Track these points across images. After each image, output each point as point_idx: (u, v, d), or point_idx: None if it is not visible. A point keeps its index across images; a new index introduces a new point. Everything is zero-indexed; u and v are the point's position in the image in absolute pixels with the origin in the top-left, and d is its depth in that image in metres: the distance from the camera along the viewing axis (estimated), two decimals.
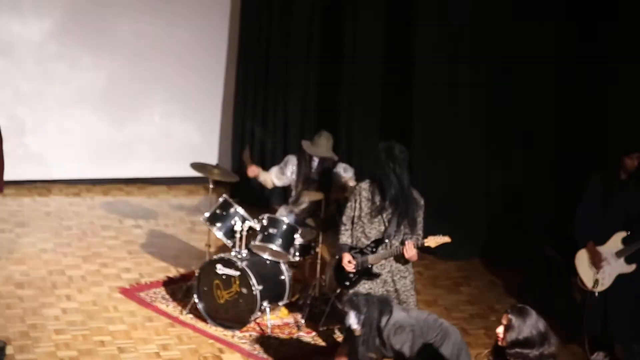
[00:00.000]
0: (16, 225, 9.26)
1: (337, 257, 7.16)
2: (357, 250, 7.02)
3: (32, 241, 8.93)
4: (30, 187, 10.09)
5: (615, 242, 7.17)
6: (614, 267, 7.15)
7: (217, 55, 10.42)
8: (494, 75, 9.07)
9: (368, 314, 6.19)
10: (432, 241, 6.86)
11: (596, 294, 7.19)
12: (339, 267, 7.08)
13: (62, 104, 10.08)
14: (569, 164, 9.02)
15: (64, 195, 10.06)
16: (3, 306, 7.66)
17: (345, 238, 7.06)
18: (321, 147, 7.91)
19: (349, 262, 6.97)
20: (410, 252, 6.83)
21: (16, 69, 9.86)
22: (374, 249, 6.96)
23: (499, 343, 5.39)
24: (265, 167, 9.89)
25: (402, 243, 6.89)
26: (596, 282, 7.17)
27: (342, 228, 7.07)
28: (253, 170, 8.11)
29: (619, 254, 7.14)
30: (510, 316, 5.35)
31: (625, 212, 7.14)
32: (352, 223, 7.01)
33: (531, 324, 5.33)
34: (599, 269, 7.16)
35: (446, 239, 6.83)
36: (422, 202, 6.93)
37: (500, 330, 5.36)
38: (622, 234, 7.15)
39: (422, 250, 7.00)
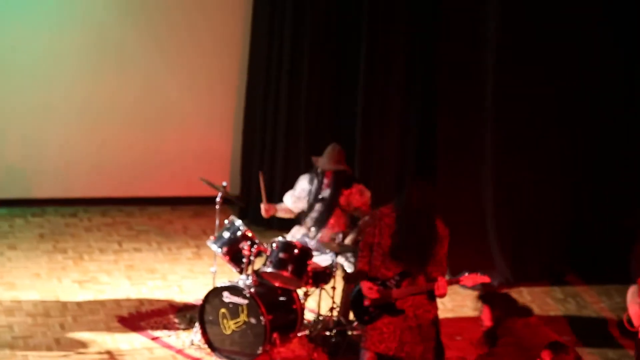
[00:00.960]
0: (7, 247, 9.27)
1: (355, 286, 7.00)
2: (379, 282, 6.82)
3: (25, 265, 8.95)
4: (23, 207, 10.06)
5: None
6: None
7: (229, 73, 10.45)
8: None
9: None
10: (470, 280, 6.77)
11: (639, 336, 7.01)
12: (357, 299, 6.92)
13: (60, 119, 10.09)
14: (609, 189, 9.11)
15: (59, 216, 10.01)
16: None
17: (362, 265, 6.93)
18: (330, 160, 7.88)
19: (370, 289, 6.78)
20: (443, 290, 6.72)
21: (15, 77, 9.86)
22: (399, 283, 6.78)
23: None
24: (275, 190, 9.79)
25: (430, 278, 6.75)
26: None
27: (360, 254, 6.96)
28: (267, 211, 8.06)
29: None
30: (549, 352, 5.66)
31: None
32: (370, 250, 6.88)
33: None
34: None
35: (485, 279, 6.78)
36: (446, 232, 6.84)
37: None
38: None
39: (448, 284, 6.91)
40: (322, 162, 7.91)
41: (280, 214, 8.14)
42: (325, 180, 7.91)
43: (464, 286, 6.93)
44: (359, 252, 6.98)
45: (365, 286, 6.81)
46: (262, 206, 8.02)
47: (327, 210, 7.88)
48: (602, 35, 9.02)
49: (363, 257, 6.90)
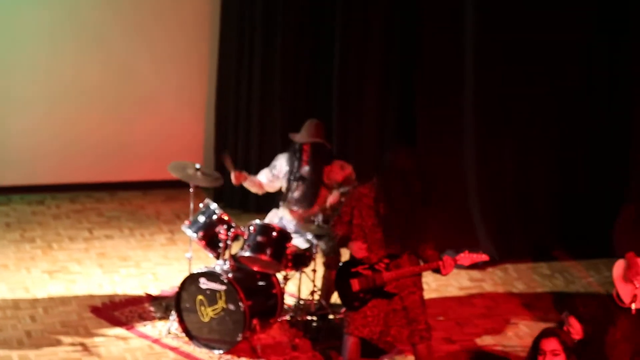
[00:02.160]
0: None
1: (340, 264, 7.04)
2: (367, 266, 6.80)
3: None
4: None
5: None
6: None
7: (199, 53, 10.46)
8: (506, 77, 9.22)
9: None
10: (467, 259, 6.75)
11: (633, 311, 7.03)
12: (343, 285, 6.88)
13: (22, 103, 10.08)
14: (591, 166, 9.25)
15: (25, 204, 10.01)
16: None
17: (342, 231, 6.86)
18: (308, 133, 7.89)
19: (360, 249, 6.74)
20: (450, 268, 6.68)
21: None
22: (388, 265, 6.77)
23: None
24: (251, 172, 9.75)
25: (424, 257, 6.71)
26: (634, 297, 7.02)
27: (336, 227, 6.91)
28: (237, 177, 8.01)
29: None
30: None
31: None
32: (347, 224, 6.88)
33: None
34: (638, 282, 7.05)
35: (484, 257, 6.76)
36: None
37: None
38: None
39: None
40: (300, 136, 7.92)
41: (249, 185, 8.06)
42: (304, 157, 7.88)
43: (461, 265, 6.84)
44: (334, 227, 6.91)
45: (355, 246, 6.74)
46: (232, 174, 7.97)
47: (312, 188, 7.84)
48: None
49: (341, 224, 6.82)
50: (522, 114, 9.26)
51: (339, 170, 7.90)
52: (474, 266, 8.73)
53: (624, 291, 7.11)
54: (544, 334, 6.10)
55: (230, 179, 8.09)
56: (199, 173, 7.96)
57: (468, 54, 9.13)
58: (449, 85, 9.26)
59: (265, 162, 9.35)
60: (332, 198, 7.75)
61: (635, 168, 8.82)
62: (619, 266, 7.20)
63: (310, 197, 7.87)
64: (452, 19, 9.16)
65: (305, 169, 7.86)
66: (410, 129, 9.47)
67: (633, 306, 6.98)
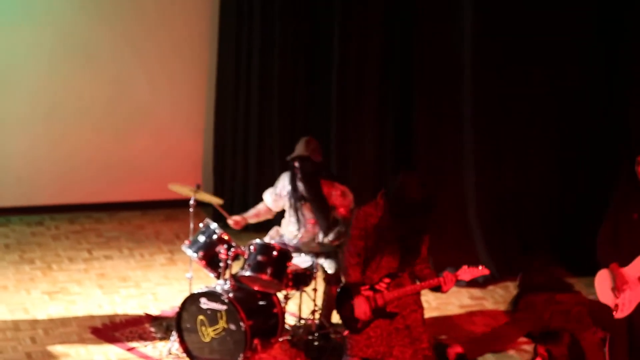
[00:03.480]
0: None
1: (339, 289, 6.91)
2: (369, 287, 6.70)
3: None
4: None
5: (639, 265, 7.14)
6: (636, 293, 7.12)
7: (196, 70, 10.47)
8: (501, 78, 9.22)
9: None
10: (468, 274, 6.68)
11: None
12: (344, 306, 6.76)
13: (21, 124, 10.08)
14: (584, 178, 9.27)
15: (25, 225, 10.01)
16: None
17: (355, 275, 6.69)
18: (298, 149, 7.82)
19: (364, 314, 6.65)
20: (451, 284, 6.61)
21: None
22: (389, 285, 6.67)
23: None
24: (249, 189, 9.73)
25: (421, 275, 6.66)
26: (616, 307, 7.11)
27: (350, 263, 6.71)
28: (237, 223, 7.98)
29: None
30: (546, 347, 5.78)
31: None
32: (360, 256, 6.70)
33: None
34: (621, 292, 7.12)
35: (485, 272, 6.71)
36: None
37: None
38: None
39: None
40: (292, 155, 7.86)
41: (254, 220, 8.08)
42: (297, 173, 7.81)
43: (462, 281, 6.73)
44: (348, 260, 6.71)
45: (360, 308, 6.62)
46: (230, 221, 7.94)
47: (318, 205, 7.77)
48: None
49: (356, 265, 6.67)
50: (521, 116, 9.23)
51: (340, 198, 7.80)
52: (474, 282, 8.75)
53: (606, 301, 7.16)
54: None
55: (232, 197, 8.14)
56: (198, 192, 7.91)
57: (467, 55, 9.11)
58: (447, 87, 9.23)
59: (264, 178, 9.42)
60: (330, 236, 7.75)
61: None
62: (600, 276, 7.23)
63: (323, 215, 7.77)
64: (450, 20, 9.15)
65: (301, 186, 7.81)
66: (407, 141, 9.45)
67: (616, 315, 7.08)
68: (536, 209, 9.35)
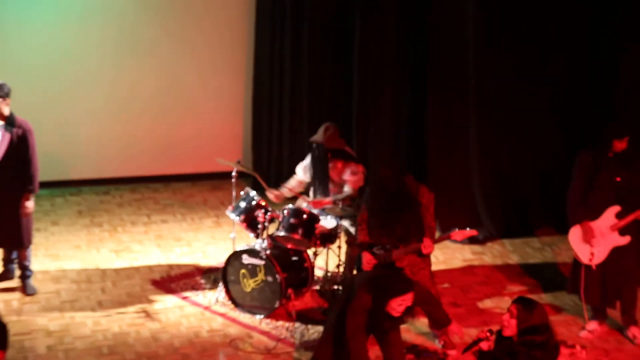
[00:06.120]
0: (50, 223, 9.23)
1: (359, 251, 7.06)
2: (380, 247, 6.88)
3: (66, 238, 8.91)
4: (62, 187, 10.00)
5: (609, 216, 7.14)
6: (609, 240, 7.15)
7: (239, 56, 10.35)
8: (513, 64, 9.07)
9: None
10: (459, 235, 6.78)
11: (593, 267, 7.19)
12: (361, 262, 6.97)
13: (90, 109, 10.02)
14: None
15: (94, 194, 9.98)
16: (42, 301, 7.69)
17: (362, 237, 6.93)
18: (317, 135, 7.77)
19: (368, 263, 6.84)
20: (429, 249, 6.74)
21: (47, 72, 9.79)
22: (397, 245, 6.83)
23: (503, 332, 5.59)
24: (283, 165, 9.74)
25: (420, 239, 6.77)
26: (592, 255, 7.16)
27: (359, 228, 6.95)
28: (277, 197, 7.93)
29: (613, 228, 7.13)
30: (518, 306, 5.57)
31: (616, 188, 7.10)
32: (367, 222, 6.90)
33: (538, 313, 5.55)
34: (593, 244, 7.14)
35: (473, 232, 6.78)
36: (431, 197, 6.84)
37: (505, 317, 5.52)
38: (616, 209, 7.13)
39: (440, 240, 6.96)
40: (313, 138, 7.84)
41: (289, 195, 7.97)
42: (313, 154, 7.78)
43: (455, 240, 6.85)
44: (358, 226, 6.95)
45: (365, 259, 6.84)
46: (271, 194, 7.88)
47: (321, 180, 7.78)
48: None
49: (362, 229, 6.89)
50: (519, 108, 9.09)
51: (350, 175, 7.70)
52: (475, 240, 8.78)
53: (582, 252, 7.17)
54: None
55: (268, 169, 8.00)
56: (239, 165, 7.90)
57: (471, 48, 8.97)
58: (455, 75, 9.09)
59: (295, 156, 9.32)
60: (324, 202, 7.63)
61: None
62: (573, 232, 7.21)
63: (323, 188, 7.78)
64: (457, 16, 9.02)
65: (317, 169, 7.79)
66: (421, 126, 9.39)
67: (592, 263, 7.12)
68: (528, 181, 9.30)
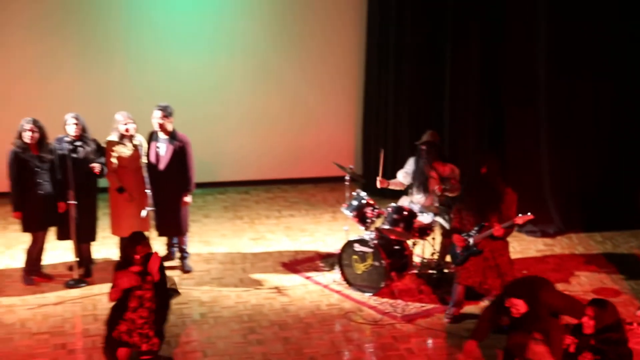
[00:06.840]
0: (203, 216, 9.44)
1: (451, 241, 7.10)
2: (466, 234, 6.96)
3: (215, 228, 9.06)
4: (212, 188, 10.22)
5: None
6: None
7: (352, 80, 10.36)
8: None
9: None
10: (520, 219, 6.71)
11: None
12: (453, 250, 7.02)
13: (234, 124, 10.16)
14: None
15: (236, 193, 10.15)
16: (197, 277, 7.78)
17: (455, 223, 6.98)
18: (425, 138, 7.65)
19: (458, 242, 6.92)
20: (499, 232, 6.71)
21: (201, 97, 9.98)
22: (478, 231, 6.89)
23: (585, 331, 5.35)
24: (387, 169, 9.65)
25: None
26: None
27: (453, 217, 7.00)
28: (381, 183, 7.79)
29: None
30: (594, 308, 5.35)
31: None
32: (459, 213, 6.94)
33: (612, 312, 5.32)
34: None
35: (530, 217, 6.69)
36: (514, 197, 6.80)
37: (585, 319, 5.35)
38: None
39: (511, 226, 6.85)
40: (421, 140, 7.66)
41: (392, 187, 7.88)
42: (421, 155, 7.61)
43: (518, 225, 6.67)
44: (452, 215, 7.00)
45: (456, 238, 6.96)
46: (378, 179, 7.75)
47: (424, 178, 7.63)
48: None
49: (455, 219, 6.96)
50: (585, 115, 8.84)
51: (450, 173, 7.60)
52: (547, 233, 8.61)
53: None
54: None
55: (375, 176, 7.88)
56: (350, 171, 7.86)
57: (541, 69, 8.73)
58: (527, 91, 8.88)
59: (398, 163, 9.12)
60: (436, 187, 7.49)
61: None
62: None
63: (424, 185, 7.61)
64: (529, 40, 8.75)
65: (421, 164, 7.60)
66: (500, 132, 9.20)
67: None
68: (592, 183, 9.08)
